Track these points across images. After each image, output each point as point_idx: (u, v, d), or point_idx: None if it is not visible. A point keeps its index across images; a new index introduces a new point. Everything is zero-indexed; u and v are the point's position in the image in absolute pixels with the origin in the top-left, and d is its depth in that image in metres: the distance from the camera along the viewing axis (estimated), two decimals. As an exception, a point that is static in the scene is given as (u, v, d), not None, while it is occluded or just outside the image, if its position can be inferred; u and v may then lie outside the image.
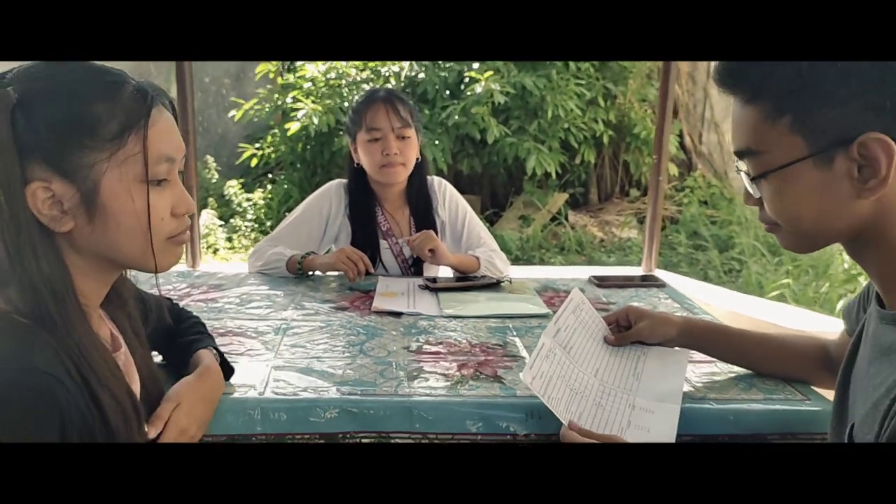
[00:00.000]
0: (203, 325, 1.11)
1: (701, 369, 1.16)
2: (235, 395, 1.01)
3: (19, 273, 0.68)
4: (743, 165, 0.77)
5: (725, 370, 1.16)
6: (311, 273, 1.71)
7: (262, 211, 5.51)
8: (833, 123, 0.67)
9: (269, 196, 5.62)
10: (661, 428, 0.97)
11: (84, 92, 0.69)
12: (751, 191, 0.78)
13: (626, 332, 1.19)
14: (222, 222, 5.20)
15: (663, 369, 1.11)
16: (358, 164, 1.80)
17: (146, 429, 0.83)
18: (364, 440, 0.99)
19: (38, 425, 0.63)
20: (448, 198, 1.90)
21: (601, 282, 1.72)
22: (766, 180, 0.74)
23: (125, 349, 0.84)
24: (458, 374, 1.11)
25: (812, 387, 1.10)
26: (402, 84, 5.09)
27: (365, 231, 1.81)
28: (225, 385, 1.00)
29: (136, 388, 0.84)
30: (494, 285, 1.65)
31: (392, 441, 0.99)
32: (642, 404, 1.02)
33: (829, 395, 1.11)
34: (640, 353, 1.16)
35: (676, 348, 1.17)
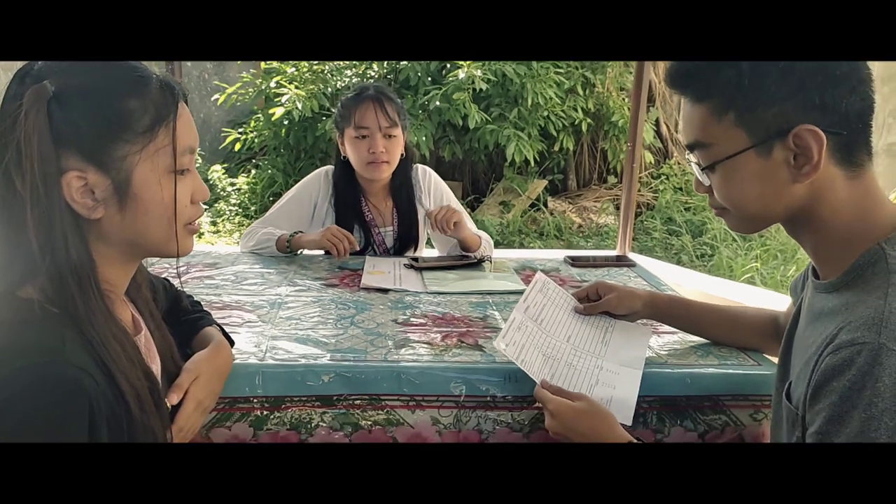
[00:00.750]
0: (200, 304, 1.16)
1: (664, 339, 1.27)
2: (237, 360, 1.09)
3: (48, 261, 0.70)
4: (694, 157, 0.87)
5: (686, 339, 1.27)
6: (299, 251, 1.79)
7: (247, 196, 5.55)
8: (772, 118, 0.77)
9: (253, 181, 5.66)
10: (625, 388, 1.08)
11: (118, 88, 0.73)
12: (701, 179, 0.88)
13: (594, 303, 1.29)
14: (206, 206, 5.24)
15: (629, 339, 1.22)
16: (344, 157, 1.88)
17: (169, 396, 0.88)
18: (357, 401, 1.08)
19: (69, 416, 0.66)
20: (433, 186, 1.99)
21: (575, 261, 1.83)
22: (714, 170, 0.84)
23: (145, 331, 0.89)
24: (442, 343, 1.21)
25: (763, 354, 1.21)
26: (385, 70, 5.15)
27: (349, 220, 1.89)
28: (232, 359, 1.08)
29: (157, 367, 0.88)
30: (475, 265, 1.75)
31: (382, 402, 1.08)
32: (609, 367, 1.13)
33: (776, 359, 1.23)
34: (608, 324, 1.27)
35: (641, 326, 1.28)
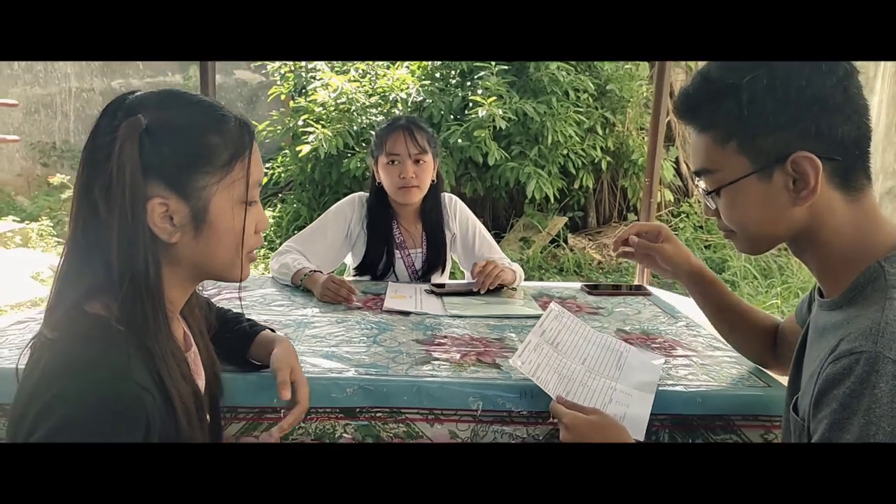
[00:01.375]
0: (242, 314, 1.21)
1: (678, 360, 1.31)
2: (266, 373, 1.15)
3: (127, 279, 0.75)
4: (702, 183, 0.92)
5: (698, 363, 1.30)
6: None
7: (273, 229, 5.68)
8: (771, 146, 0.82)
9: (279, 215, 5.80)
10: (638, 407, 1.11)
11: (203, 124, 0.81)
12: (708, 204, 0.93)
13: (648, 242, 1.28)
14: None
15: (642, 366, 1.25)
16: (379, 183, 1.98)
17: (280, 393, 1.01)
18: (378, 413, 1.13)
19: (125, 431, 0.70)
20: (458, 213, 2.08)
21: (591, 289, 1.87)
22: (719, 194, 0.89)
23: (194, 348, 0.96)
24: (460, 360, 1.25)
25: (764, 369, 1.25)
26: (410, 109, 5.29)
27: (380, 241, 1.98)
28: None
29: (202, 383, 0.94)
30: (494, 291, 1.80)
31: (403, 415, 1.13)
32: (622, 388, 1.17)
33: (786, 380, 1.26)
34: (623, 349, 1.31)
35: (655, 355, 1.31)
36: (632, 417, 1.09)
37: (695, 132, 0.90)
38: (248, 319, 1.19)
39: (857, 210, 0.84)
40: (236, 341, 1.13)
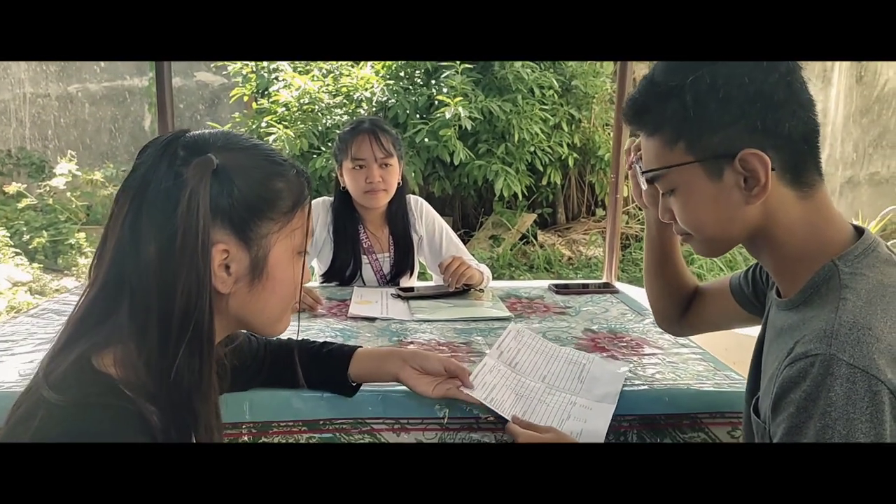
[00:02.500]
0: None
1: (644, 360, 1.30)
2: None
3: (189, 331, 0.68)
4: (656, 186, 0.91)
5: (665, 360, 1.30)
6: None
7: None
8: (718, 144, 0.81)
9: (244, 219, 5.69)
10: (596, 422, 1.10)
11: (268, 168, 0.76)
12: (664, 207, 0.91)
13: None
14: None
15: (605, 375, 1.23)
16: (343, 188, 1.95)
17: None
18: (343, 425, 1.11)
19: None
20: (424, 214, 2.05)
21: (559, 289, 1.86)
22: (672, 196, 0.88)
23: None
24: (426, 367, 1.23)
25: (665, 330, 1.24)
26: (374, 109, 5.25)
27: (347, 247, 1.94)
28: None
29: None
30: (461, 293, 1.78)
31: (368, 425, 1.11)
32: (583, 402, 1.15)
33: (727, 362, 1.28)
34: (586, 360, 1.29)
35: (621, 362, 1.28)
36: (588, 432, 1.08)
37: (644, 136, 0.89)
38: (332, 343, 1.15)
39: (809, 206, 0.83)
40: (331, 361, 1.10)
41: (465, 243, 5.79)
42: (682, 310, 1.19)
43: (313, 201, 2.00)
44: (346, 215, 1.97)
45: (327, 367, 1.11)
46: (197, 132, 0.76)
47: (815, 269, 0.81)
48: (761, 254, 0.89)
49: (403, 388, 1.13)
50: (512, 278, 5.01)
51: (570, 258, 5.53)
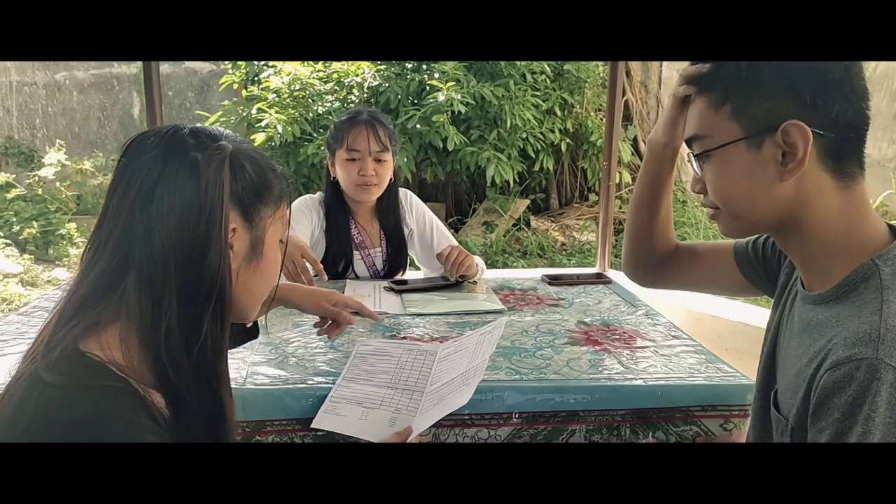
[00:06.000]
0: None
1: (637, 354, 1.31)
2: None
3: (214, 299, 0.75)
4: (694, 149, 0.88)
5: (659, 353, 1.30)
6: None
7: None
8: (764, 113, 0.79)
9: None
10: (421, 419, 1.06)
11: (265, 161, 0.84)
12: (697, 171, 0.89)
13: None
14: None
15: (462, 360, 1.15)
16: (334, 178, 1.92)
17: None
18: (336, 423, 1.10)
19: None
20: (415, 207, 2.04)
21: (552, 280, 1.86)
22: (707, 160, 0.86)
23: None
24: (420, 363, 1.23)
25: (631, 278, 1.20)
26: (366, 94, 5.21)
27: (340, 242, 1.92)
28: None
29: None
30: (454, 285, 1.78)
31: (361, 423, 1.10)
32: (428, 397, 1.09)
33: (719, 350, 1.27)
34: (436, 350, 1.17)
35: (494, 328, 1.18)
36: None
37: (695, 95, 0.88)
38: None
39: (847, 199, 0.80)
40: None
41: (458, 230, 5.80)
42: (658, 263, 1.15)
43: (301, 198, 1.99)
44: (338, 208, 1.94)
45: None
46: (192, 127, 0.81)
47: (849, 265, 0.79)
48: (790, 243, 0.86)
49: (397, 385, 1.13)
50: (505, 265, 5.01)
51: (563, 244, 5.53)
